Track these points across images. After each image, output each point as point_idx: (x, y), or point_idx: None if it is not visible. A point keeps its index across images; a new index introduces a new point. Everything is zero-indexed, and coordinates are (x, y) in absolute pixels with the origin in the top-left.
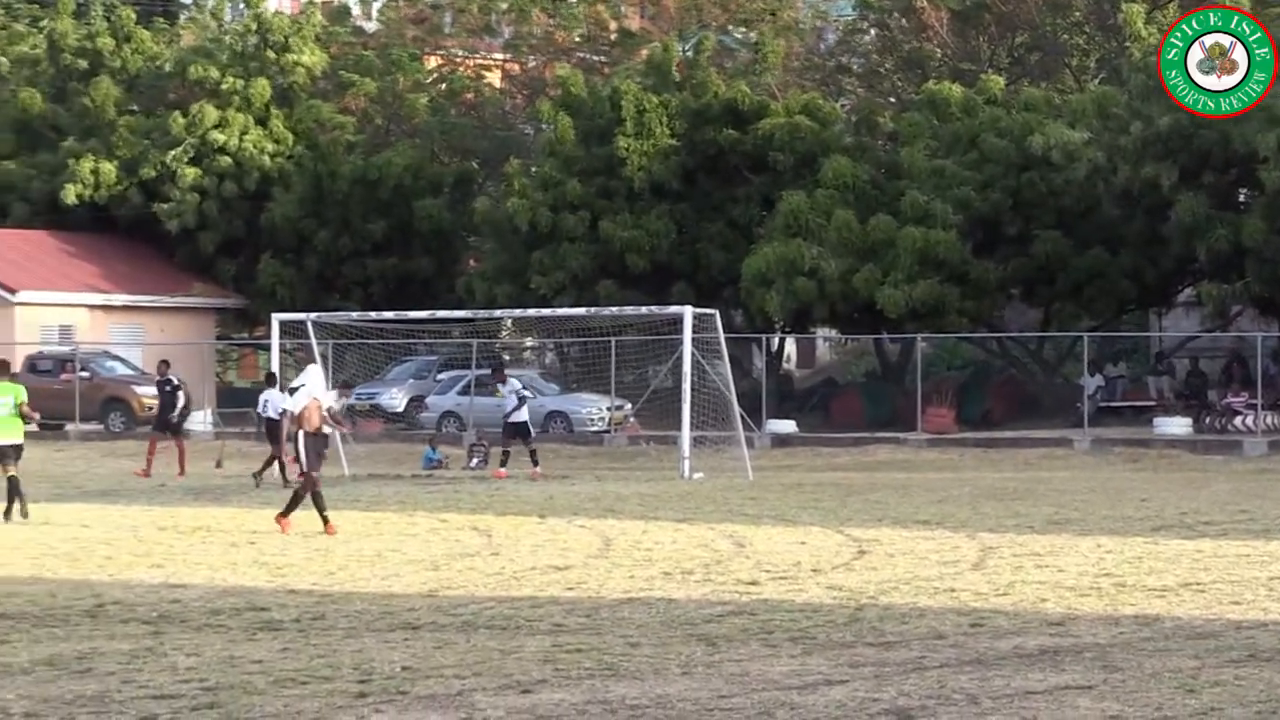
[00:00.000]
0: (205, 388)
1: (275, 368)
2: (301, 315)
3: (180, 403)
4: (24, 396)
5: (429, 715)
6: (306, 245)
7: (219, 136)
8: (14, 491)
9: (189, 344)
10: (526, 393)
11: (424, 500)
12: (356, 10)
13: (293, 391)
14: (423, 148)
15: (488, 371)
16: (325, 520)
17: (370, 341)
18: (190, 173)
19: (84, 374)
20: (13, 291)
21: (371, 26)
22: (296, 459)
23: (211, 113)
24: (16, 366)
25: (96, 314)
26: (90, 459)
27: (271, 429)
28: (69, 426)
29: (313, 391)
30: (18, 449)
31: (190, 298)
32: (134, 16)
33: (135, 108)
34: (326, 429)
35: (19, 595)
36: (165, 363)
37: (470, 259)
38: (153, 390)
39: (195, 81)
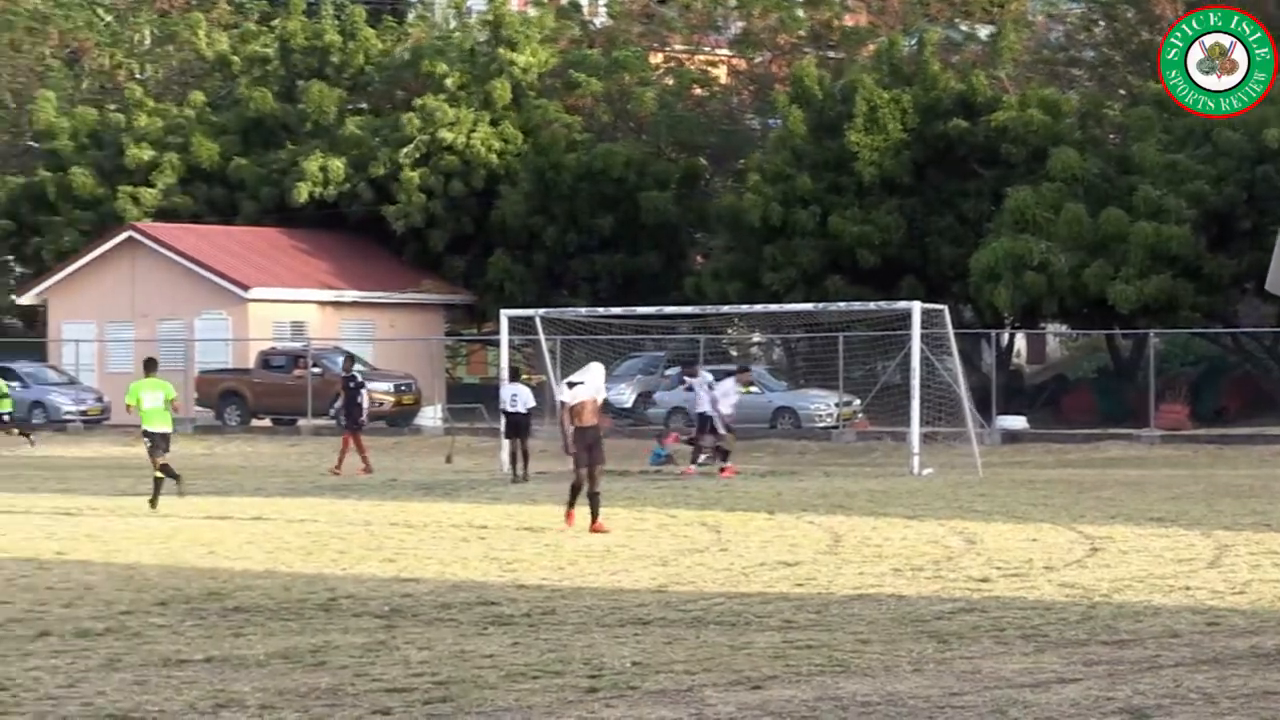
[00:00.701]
0: (435, 384)
1: (505, 363)
2: (530, 311)
3: (364, 400)
4: (174, 394)
5: (659, 710)
6: (535, 241)
7: (448, 135)
8: (162, 480)
9: (419, 340)
10: (746, 391)
11: (652, 496)
12: (585, 4)
13: (572, 385)
14: (649, 143)
15: (722, 368)
16: (569, 512)
17: (598, 337)
18: (415, 175)
19: (316, 370)
20: (246, 288)
21: (600, 22)
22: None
23: (446, 111)
24: (249, 362)
25: (327, 310)
26: (322, 454)
27: (518, 423)
28: (301, 422)
29: (593, 389)
30: (167, 438)
31: (420, 294)
32: (363, 14)
33: (364, 105)
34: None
35: (255, 589)
36: (350, 357)
37: (697, 255)
38: (385, 386)
39: (425, 74)
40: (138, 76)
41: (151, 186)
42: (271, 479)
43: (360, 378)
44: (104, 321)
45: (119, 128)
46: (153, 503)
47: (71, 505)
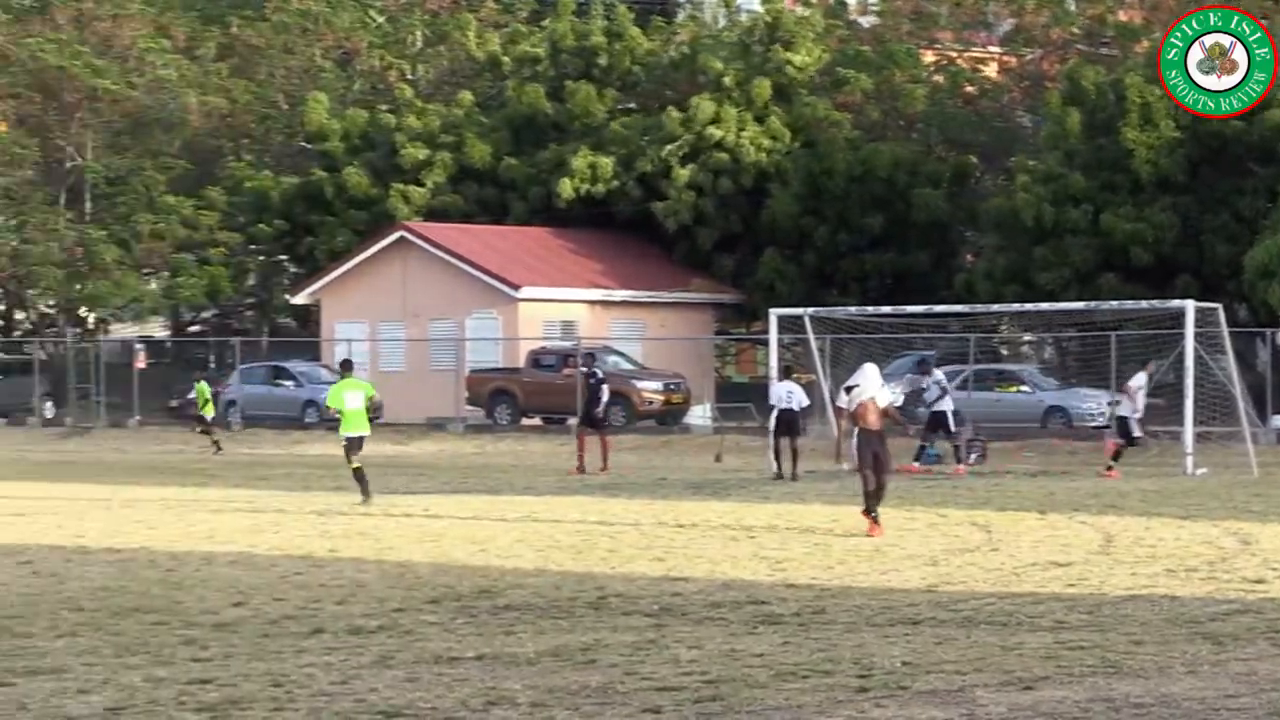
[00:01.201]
0: (705, 383)
1: (775, 362)
2: (799, 310)
3: (604, 396)
4: (374, 392)
5: (929, 711)
6: (805, 240)
7: (715, 133)
8: (360, 479)
9: (688, 339)
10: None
11: (922, 495)
12: (852, 3)
13: (849, 389)
14: (919, 141)
15: (992, 367)
16: (874, 519)
17: (870, 336)
18: (685, 172)
19: (585, 369)
20: (516, 288)
21: (868, 21)
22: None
23: (708, 108)
24: (519, 361)
25: (596, 309)
26: (591, 453)
27: (791, 420)
28: (570, 421)
29: (868, 390)
30: (362, 441)
31: (689, 293)
32: (630, 15)
33: (632, 105)
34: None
35: (525, 587)
36: (591, 355)
37: (967, 254)
38: (655, 385)
39: (699, 70)
40: (408, 77)
41: (422, 185)
42: (541, 478)
43: (601, 374)
44: (376, 321)
45: (389, 128)
46: (365, 495)
47: (343, 503)
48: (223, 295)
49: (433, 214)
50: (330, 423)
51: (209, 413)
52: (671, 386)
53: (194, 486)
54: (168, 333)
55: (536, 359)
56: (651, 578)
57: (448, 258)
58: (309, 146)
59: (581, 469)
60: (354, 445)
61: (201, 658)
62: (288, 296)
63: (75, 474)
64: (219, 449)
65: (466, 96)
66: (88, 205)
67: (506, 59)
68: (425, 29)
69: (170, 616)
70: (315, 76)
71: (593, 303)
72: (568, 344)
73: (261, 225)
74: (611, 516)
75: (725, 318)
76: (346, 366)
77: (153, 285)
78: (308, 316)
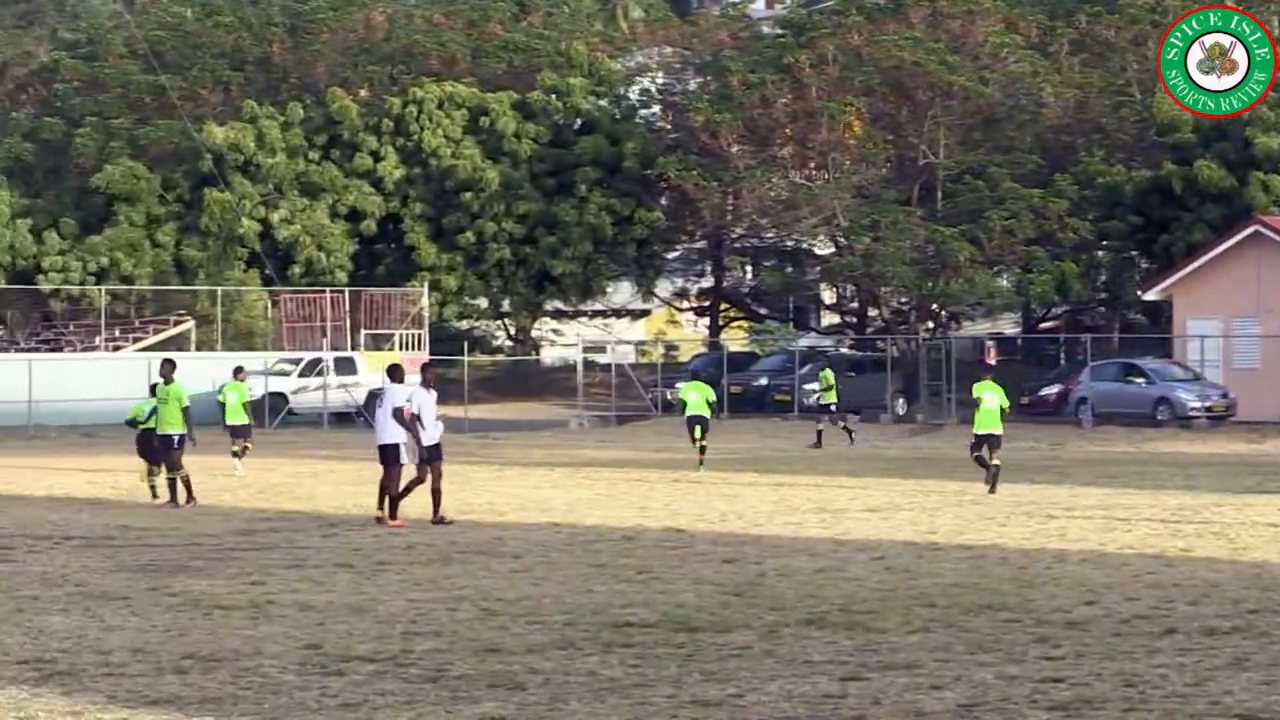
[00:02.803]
0: None
1: None
2: None
3: None
4: (1006, 401)
5: None
6: None
7: None
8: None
9: None
10: None
11: None
12: None
13: None
14: None
15: None
16: None
17: None
18: None
19: None
20: None
21: None
22: None
23: None
24: None
25: None
26: None
27: None
28: None
29: None
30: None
31: None
32: None
33: None
34: None
35: None
36: None
37: None
38: None
39: None
40: None
41: None
42: None
43: None
44: (1228, 318)
45: (1241, 120)
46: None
47: (1196, 503)
48: (1073, 292)
49: None
50: (1183, 420)
51: (830, 399)
52: None
53: (1043, 484)
54: (1018, 329)
55: None
56: None
57: None
58: (1160, 140)
59: None
60: (989, 442)
61: (1053, 656)
62: (1139, 293)
63: (927, 470)
64: (852, 438)
65: None
66: (939, 203)
67: None
68: None
69: (1022, 614)
70: None
71: None
72: None
73: (1114, 220)
74: None
75: None
76: (988, 369)
77: (1003, 281)
78: (1159, 313)
